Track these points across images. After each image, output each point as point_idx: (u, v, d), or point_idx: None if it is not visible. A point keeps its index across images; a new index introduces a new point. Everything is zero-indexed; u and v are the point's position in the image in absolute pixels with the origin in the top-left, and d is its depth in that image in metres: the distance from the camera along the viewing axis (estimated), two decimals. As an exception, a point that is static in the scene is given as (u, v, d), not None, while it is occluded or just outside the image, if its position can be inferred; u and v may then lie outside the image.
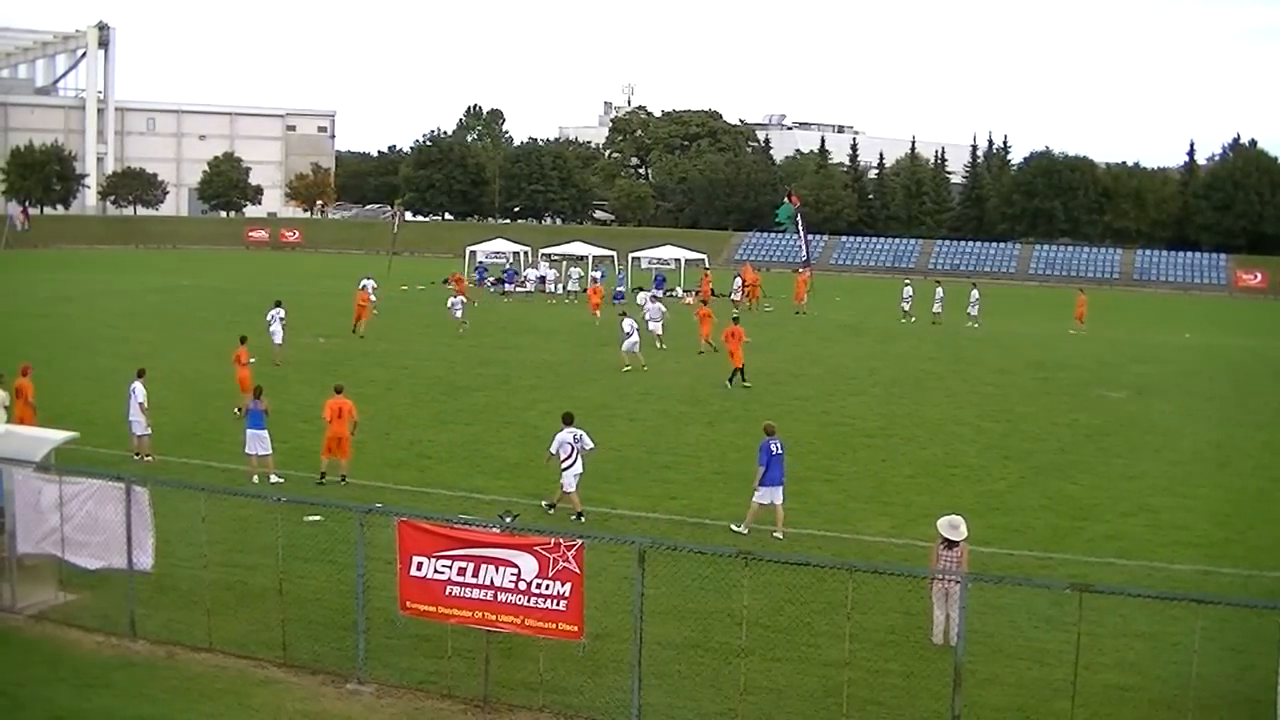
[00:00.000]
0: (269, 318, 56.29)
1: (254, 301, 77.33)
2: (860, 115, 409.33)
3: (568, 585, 19.08)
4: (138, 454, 35.43)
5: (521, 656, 20.63)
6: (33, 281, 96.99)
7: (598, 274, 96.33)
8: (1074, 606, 18.44)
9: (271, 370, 49.84)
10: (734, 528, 29.82)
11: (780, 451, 29.85)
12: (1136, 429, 45.39)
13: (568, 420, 31.51)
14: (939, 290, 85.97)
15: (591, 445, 31.30)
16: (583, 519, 30.20)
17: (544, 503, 31.54)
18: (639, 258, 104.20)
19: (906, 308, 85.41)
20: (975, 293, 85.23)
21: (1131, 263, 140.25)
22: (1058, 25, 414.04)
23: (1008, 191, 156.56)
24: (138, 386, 35.78)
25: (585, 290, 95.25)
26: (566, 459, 30.77)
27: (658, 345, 62.13)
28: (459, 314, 69.54)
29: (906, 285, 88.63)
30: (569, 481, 30.76)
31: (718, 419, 44.76)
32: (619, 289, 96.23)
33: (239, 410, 39.61)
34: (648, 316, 65.20)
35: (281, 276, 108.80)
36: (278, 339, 55.52)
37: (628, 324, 56.48)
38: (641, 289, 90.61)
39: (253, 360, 39.14)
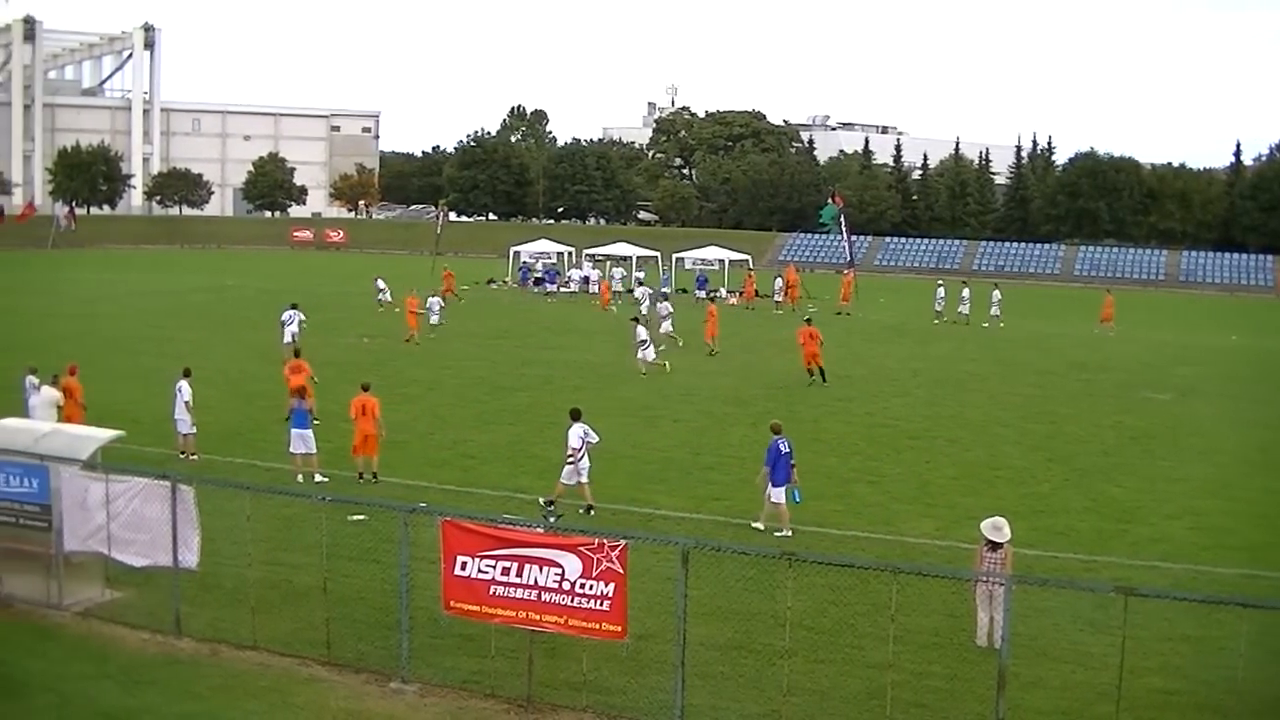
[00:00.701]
0: (284, 318, 57.07)
1: (299, 301, 77.70)
2: (904, 116, 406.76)
3: (611, 585, 19.04)
4: (183, 453, 35.58)
5: (565, 656, 20.61)
6: (78, 281, 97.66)
7: (619, 272, 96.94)
8: (1119, 610, 18.33)
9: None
10: (754, 525, 30.02)
11: (788, 451, 29.90)
12: (1181, 431, 45.12)
13: (576, 415, 31.80)
14: (965, 291, 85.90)
15: (597, 438, 31.68)
16: (593, 513, 30.85)
17: (587, 508, 31.42)
18: (683, 258, 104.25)
19: (939, 308, 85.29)
20: (996, 293, 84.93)
21: (1177, 264, 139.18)
22: (1103, 25, 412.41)
23: (1052, 192, 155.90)
24: (184, 385, 35.98)
25: (629, 290, 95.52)
26: (576, 453, 31.26)
27: (678, 344, 62.08)
28: (435, 318, 67.95)
29: (940, 286, 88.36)
30: (569, 475, 31.16)
31: (761, 420, 44.41)
32: (663, 289, 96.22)
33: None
34: (661, 314, 65.18)
35: (326, 276, 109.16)
36: (286, 339, 56.06)
37: (641, 331, 56.19)
38: (642, 284, 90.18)
39: (315, 380, 39.12)
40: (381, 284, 78.44)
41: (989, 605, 21.51)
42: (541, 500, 31.26)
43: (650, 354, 55.60)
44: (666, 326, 63.32)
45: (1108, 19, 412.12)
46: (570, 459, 31.14)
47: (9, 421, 29.35)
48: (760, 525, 29.82)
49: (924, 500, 33.60)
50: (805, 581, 20.90)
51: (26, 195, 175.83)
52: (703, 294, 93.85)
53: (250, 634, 21.68)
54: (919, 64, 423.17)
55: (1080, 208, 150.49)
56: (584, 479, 31.23)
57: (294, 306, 57.58)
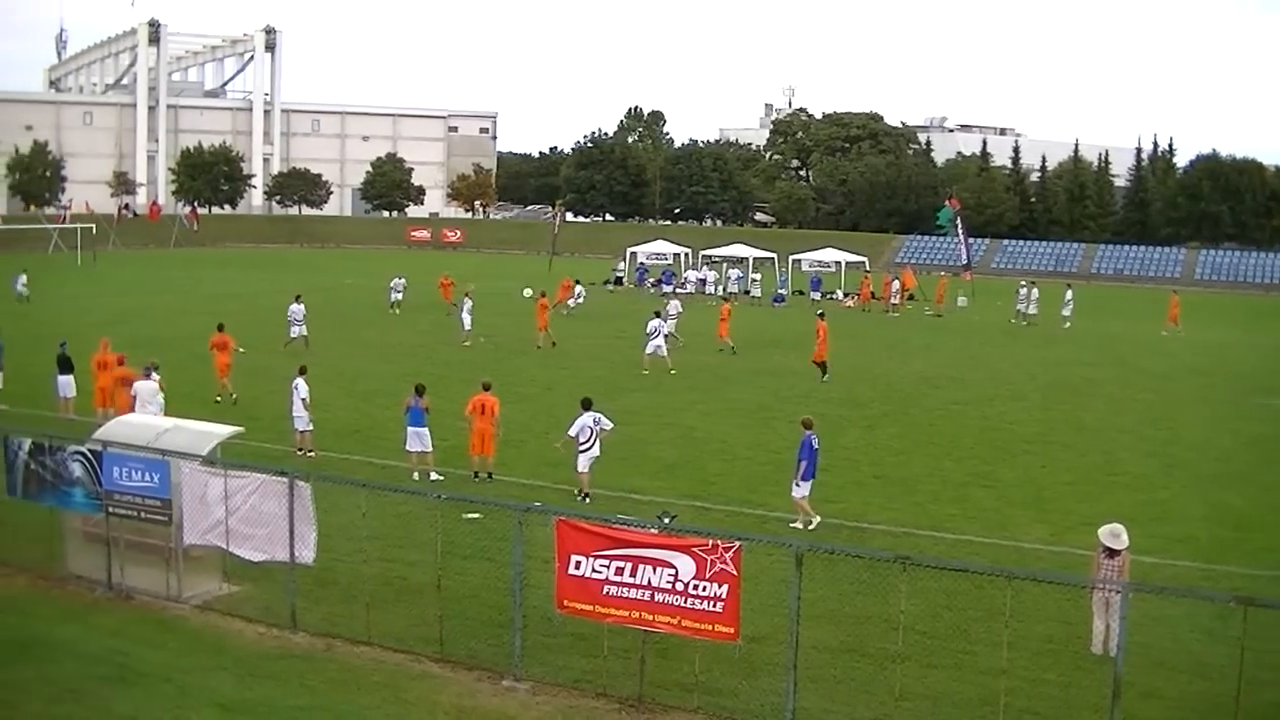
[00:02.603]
0: (290, 313, 58.42)
1: (418, 301, 78.33)
2: (1023, 118, 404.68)
3: (725, 587, 18.97)
4: (300, 449, 35.93)
5: (677, 657, 20.58)
6: (200, 279, 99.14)
7: (735, 273, 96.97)
8: (1237, 620, 17.99)
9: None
10: (793, 524, 29.92)
11: (817, 447, 30.09)
12: (1301, 439, 44.38)
13: (587, 405, 32.67)
14: (1034, 291, 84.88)
15: (610, 426, 32.49)
16: (588, 500, 31.44)
17: (580, 492, 32.28)
18: (799, 260, 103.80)
19: (1021, 309, 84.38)
20: (1069, 293, 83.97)
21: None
22: (1225, 24, 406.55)
23: (1173, 195, 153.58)
24: (300, 383, 36.39)
25: (746, 292, 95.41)
26: (585, 442, 31.99)
27: (678, 342, 61.53)
28: (468, 325, 64.47)
29: (1021, 287, 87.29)
30: (583, 463, 32.01)
31: (877, 422, 44.44)
32: (780, 291, 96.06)
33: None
34: (670, 313, 65.00)
35: (443, 276, 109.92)
36: (294, 331, 57.98)
37: (653, 324, 56.14)
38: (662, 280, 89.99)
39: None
40: (398, 283, 78.04)
41: (1105, 613, 21.22)
42: (576, 493, 32.17)
43: (661, 348, 55.17)
44: (670, 325, 62.74)
45: (1230, 18, 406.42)
46: (584, 448, 32.03)
47: (131, 417, 29.94)
48: (801, 524, 29.82)
49: (1039, 505, 33.24)
50: (919, 586, 20.72)
51: (150, 195, 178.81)
52: (817, 295, 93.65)
53: (364, 629, 21.83)
54: (1038, 66, 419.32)
55: (1202, 210, 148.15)
56: (588, 468, 32.19)
57: (298, 299, 59.57)
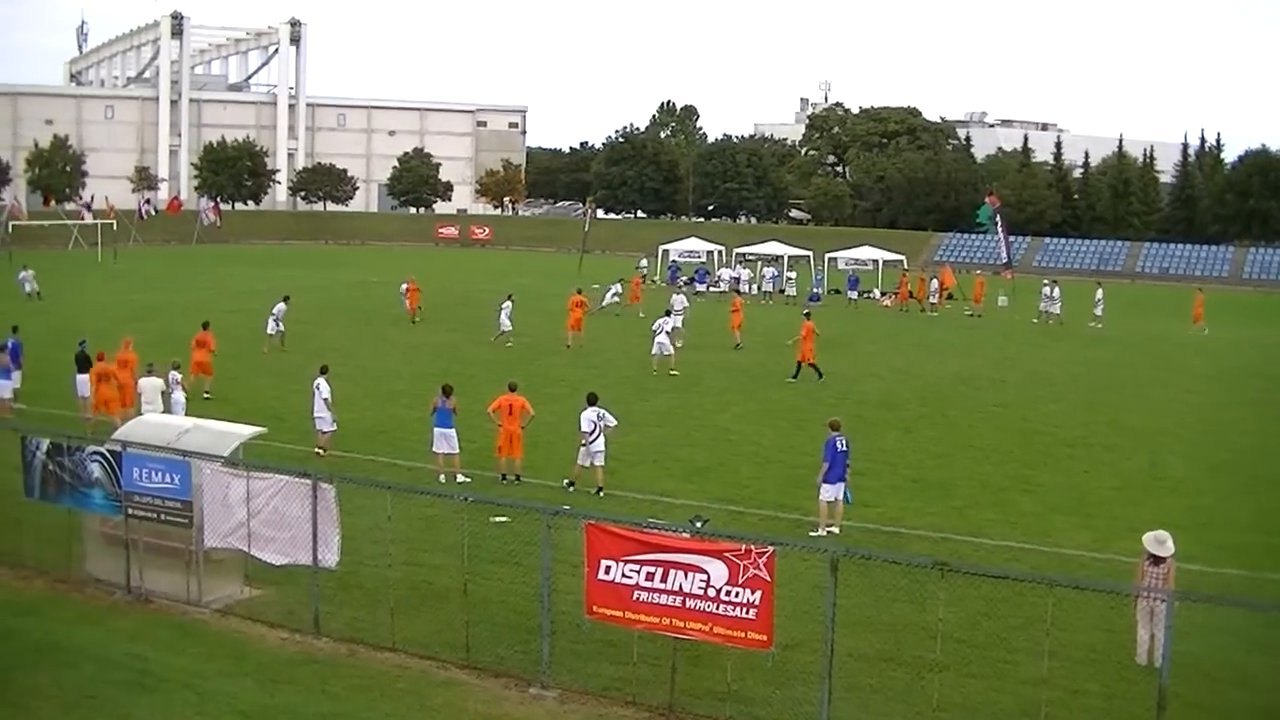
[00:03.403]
0: (275, 311, 58.03)
1: (443, 300, 78.38)
2: (1065, 113, 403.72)
3: (758, 593, 18.93)
4: (320, 450, 35.96)
5: (708, 665, 20.53)
6: (223, 276, 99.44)
7: (770, 271, 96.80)
8: (1287, 629, 17.92)
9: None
10: (812, 533, 29.71)
11: (845, 449, 30.05)
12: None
13: (591, 400, 33.37)
14: (1056, 289, 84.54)
15: (614, 422, 33.26)
16: (573, 489, 32.58)
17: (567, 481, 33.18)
18: (835, 258, 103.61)
19: (1044, 308, 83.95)
20: (1099, 292, 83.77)
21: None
22: (1275, 15, 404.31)
23: (1220, 191, 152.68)
24: (322, 383, 36.46)
25: (781, 291, 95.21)
26: (590, 436, 32.81)
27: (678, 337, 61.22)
28: (506, 326, 63.29)
29: (1045, 285, 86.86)
30: (584, 456, 32.91)
31: (915, 424, 44.33)
32: (815, 290, 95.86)
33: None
34: (675, 308, 64.81)
35: (471, 273, 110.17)
36: (270, 329, 57.67)
37: (658, 323, 56.33)
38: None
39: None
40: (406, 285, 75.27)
41: (1150, 622, 21.09)
42: (563, 481, 33.14)
43: (666, 346, 54.87)
44: (676, 321, 62.51)
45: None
46: (584, 441, 32.84)
47: (151, 417, 30.09)
48: (822, 531, 29.67)
49: (1082, 511, 33.09)
50: (958, 593, 20.68)
51: (172, 190, 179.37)
52: (854, 295, 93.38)
53: (389, 635, 21.84)
54: (1081, 59, 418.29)
55: (1251, 207, 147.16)
56: (598, 461, 32.96)
57: (286, 299, 59.40)
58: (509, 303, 63.77)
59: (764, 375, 54.18)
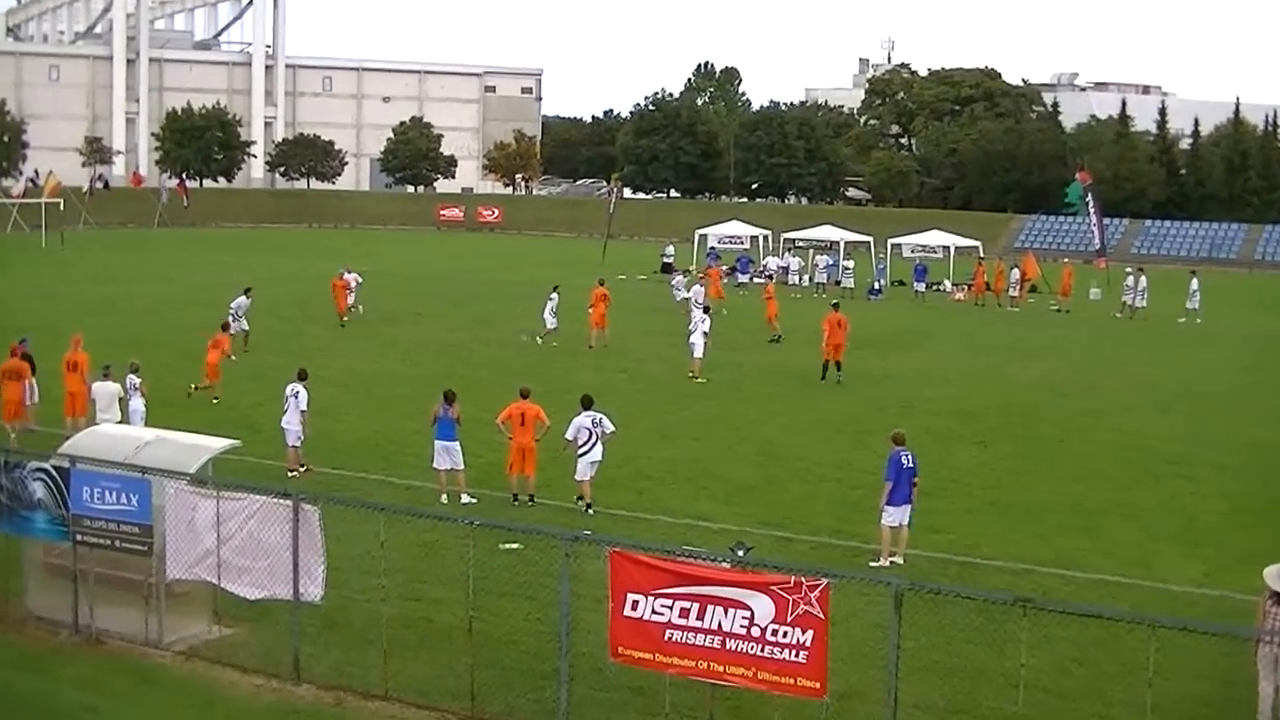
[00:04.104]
0: (233, 307, 58.14)
1: (447, 291, 78.56)
2: (1170, 74, 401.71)
3: (809, 633, 18.91)
4: (293, 468, 35.87)
5: (752, 715, 20.56)
6: (191, 265, 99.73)
7: (824, 259, 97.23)
8: None
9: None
10: (873, 563, 29.73)
11: (912, 465, 30.01)
12: None
13: (586, 404, 33.88)
14: (1141, 279, 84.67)
15: (612, 429, 33.64)
16: (591, 511, 32.64)
17: (578, 498, 33.48)
18: (899, 244, 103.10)
19: (1128, 300, 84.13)
20: (1195, 282, 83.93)
21: None
22: None
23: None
24: (300, 390, 36.36)
25: (837, 282, 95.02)
26: (584, 444, 33.08)
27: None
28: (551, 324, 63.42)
29: (1129, 274, 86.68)
30: (583, 469, 33.18)
31: (992, 437, 44.26)
32: (876, 283, 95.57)
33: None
34: (693, 301, 64.82)
35: (478, 261, 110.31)
36: (245, 325, 58.22)
37: (699, 317, 56.61)
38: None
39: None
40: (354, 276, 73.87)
41: (1275, 672, 20.93)
42: (577, 500, 33.43)
43: (697, 347, 54.65)
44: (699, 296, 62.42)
45: None
46: (580, 451, 33.16)
47: (106, 428, 30.08)
48: (884, 561, 29.69)
49: (1189, 539, 33.03)
50: (1043, 634, 20.60)
51: (130, 165, 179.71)
52: (921, 287, 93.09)
53: (381, 681, 21.83)
54: (1188, 10, 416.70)
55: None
56: (591, 474, 33.30)
57: (246, 292, 59.65)
58: (555, 295, 63.43)
59: (815, 379, 54.09)
